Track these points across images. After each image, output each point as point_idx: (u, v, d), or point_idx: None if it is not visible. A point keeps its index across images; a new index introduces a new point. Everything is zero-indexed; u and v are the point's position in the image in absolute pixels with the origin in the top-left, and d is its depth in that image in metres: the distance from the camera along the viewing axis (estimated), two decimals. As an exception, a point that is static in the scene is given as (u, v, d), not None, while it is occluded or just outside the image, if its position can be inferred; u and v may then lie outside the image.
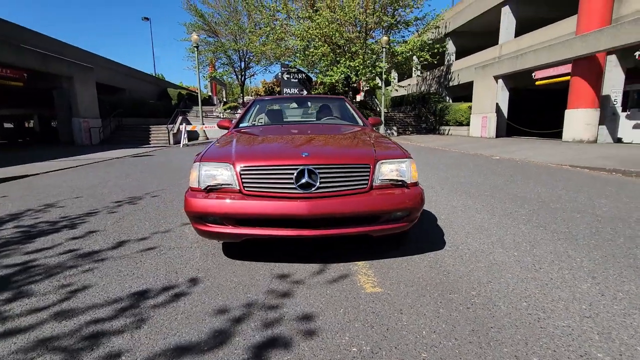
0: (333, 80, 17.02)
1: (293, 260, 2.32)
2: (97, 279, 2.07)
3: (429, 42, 18.70)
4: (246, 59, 24.58)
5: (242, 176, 2.10)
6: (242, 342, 1.46)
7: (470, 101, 17.85)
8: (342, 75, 16.93)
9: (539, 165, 7.24)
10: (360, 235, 2.15)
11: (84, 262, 2.34)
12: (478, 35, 21.75)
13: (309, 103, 4.15)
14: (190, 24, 23.89)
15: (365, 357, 1.35)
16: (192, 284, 2.00)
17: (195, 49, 15.59)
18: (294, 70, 19.44)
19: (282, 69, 19.47)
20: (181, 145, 14.27)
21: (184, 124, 15.07)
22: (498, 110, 16.01)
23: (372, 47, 17.33)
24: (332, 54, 17.10)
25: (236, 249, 2.51)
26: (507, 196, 4.17)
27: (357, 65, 16.49)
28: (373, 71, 17.38)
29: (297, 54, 18.11)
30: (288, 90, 19.47)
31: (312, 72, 20.42)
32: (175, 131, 15.84)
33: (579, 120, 12.10)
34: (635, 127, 12.70)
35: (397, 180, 2.19)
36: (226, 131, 3.46)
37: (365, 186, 2.12)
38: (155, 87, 28.57)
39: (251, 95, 29.00)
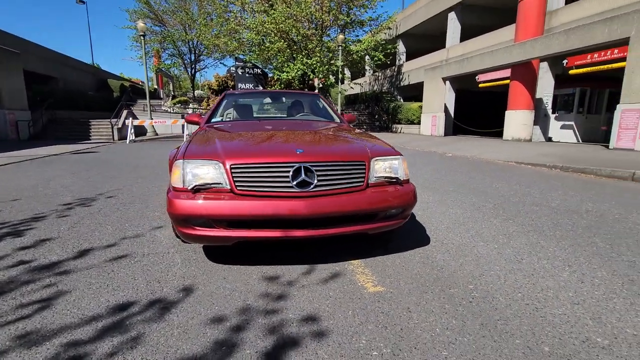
0: (289, 77, 16.84)
1: (283, 261, 2.22)
2: (64, 294, 1.81)
3: (382, 42, 19.26)
4: (197, 51, 23.40)
5: (234, 175, 1.96)
6: (252, 353, 1.36)
7: (421, 101, 18.72)
8: (299, 72, 16.83)
9: (489, 161, 7.78)
10: (357, 234, 2.12)
11: (43, 275, 2.03)
12: (427, 38, 22.87)
13: (284, 98, 4.03)
14: (134, 11, 22.18)
15: (387, 359, 1.32)
16: (181, 294, 1.82)
17: (142, 38, 14.47)
18: (249, 65, 18.90)
19: (237, 63, 18.84)
20: (127, 141, 13.21)
21: (130, 118, 13.97)
22: (446, 110, 16.98)
23: (328, 45, 17.41)
24: (288, 50, 16.89)
25: (218, 252, 2.35)
26: (470, 191, 4.40)
27: (314, 63, 16.48)
28: (330, 69, 17.48)
29: (253, 49, 17.63)
30: (242, 85, 18.90)
31: (267, 68, 20.03)
32: (120, 126, 14.62)
33: (517, 121, 13.22)
34: (562, 127, 14.20)
35: (391, 178, 2.19)
36: (196, 127, 3.24)
37: (361, 184, 2.08)
38: (93, 78, 26.09)
39: (203, 90, 27.72)
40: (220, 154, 2.04)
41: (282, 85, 18.34)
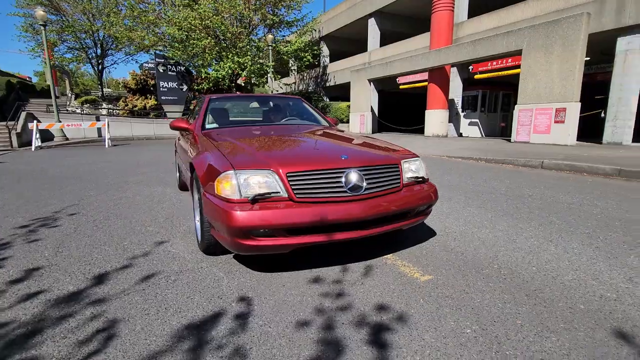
0: (220, 76, 16.17)
1: (322, 263, 2.31)
2: (122, 323, 1.65)
3: (309, 43, 19.72)
4: (104, 45, 20.80)
5: (291, 182, 1.99)
6: (361, 346, 1.47)
7: (347, 100, 19.71)
8: (229, 71, 16.25)
9: (425, 156, 8.68)
10: (394, 231, 2.32)
11: (75, 307, 1.80)
12: (349, 41, 24.04)
13: (271, 103, 4.01)
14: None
15: (481, 335, 1.56)
16: (254, 306, 1.81)
17: (43, 28, 12.35)
18: (172, 62, 17.54)
19: (157, 59, 17.31)
20: (33, 147, 11.21)
21: (34, 121, 11.87)
22: (371, 109, 18.17)
23: (258, 44, 17.17)
24: (217, 48, 16.19)
25: (252, 261, 2.32)
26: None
27: (246, 62, 16.10)
28: (261, 69, 17.26)
29: (175, 44, 16.42)
30: (165, 84, 17.49)
31: (192, 66, 18.85)
32: (19, 130, 12.32)
33: (436, 119, 14.84)
34: (470, 124, 16.40)
35: (417, 177, 2.45)
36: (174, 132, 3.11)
37: (398, 185, 2.30)
38: (-39, 72, 21.39)
39: (117, 88, 24.74)
40: (271, 163, 2.05)
41: (211, 84, 17.50)
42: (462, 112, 16.02)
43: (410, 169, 2.44)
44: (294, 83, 27.32)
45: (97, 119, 14.60)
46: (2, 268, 2.28)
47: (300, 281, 2.07)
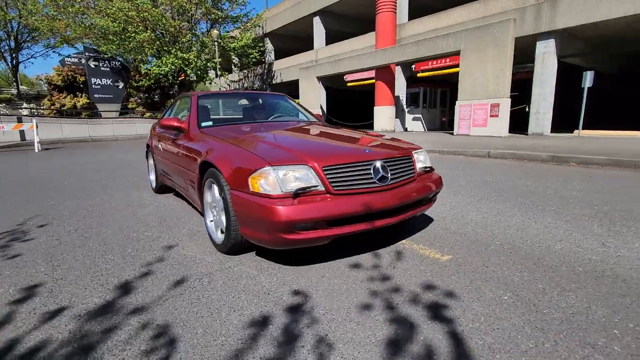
0: (162, 72, 15.14)
1: (345, 253, 2.40)
2: (180, 328, 1.59)
3: (255, 40, 19.38)
4: (18, 36, 18.20)
5: (327, 176, 2.06)
6: (429, 323, 1.62)
7: (296, 98, 19.77)
8: (173, 67, 15.31)
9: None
10: (410, 217, 2.50)
11: (113, 320, 1.68)
12: (295, 38, 24.07)
13: (260, 100, 3.94)
14: None
15: (517, 300, 1.79)
16: (304, 297, 1.85)
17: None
18: (105, 56, 15.95)
19: (87, 54, 15.61)
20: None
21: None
22: (320, 106, 18.47)
23: (202, 39, 16.41)
24: (157, 42, 15.12)
25: (278, 255, 2.34)
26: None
27: (192, 58, 15.30)
28: (208, 65, 16.53)
29: (109, 37, 14.97)
30: (97, 81, 15.88)
31: (129, 61, 17.35)
32: None
33: (384, 115, 15.58)
34: (413, 119, 17.48)
35: (426, 167, 2.66)
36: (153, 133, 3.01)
37: (413, 174, 2.48)
38: None
39: (42, 85, 21.68)
40: (305, 158, 2.09)
41: (152, 81, 16.32)
42: (407, 108, 17.03)
43: (419, 159, 2.63)
44: (239, 80, 26.62)
45: (19, 120, 12.80)
46: (19, 288, 2.01)
47: (337, 270, 2.15)
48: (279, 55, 24.44)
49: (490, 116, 11.28)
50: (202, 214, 2.78)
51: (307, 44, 22.10)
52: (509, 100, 11.02)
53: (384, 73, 15.10)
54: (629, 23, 10.32)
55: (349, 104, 22.13)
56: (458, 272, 2.10)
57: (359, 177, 2.15)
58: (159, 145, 3.85)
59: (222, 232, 2.51)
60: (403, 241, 2.62)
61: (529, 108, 12.20)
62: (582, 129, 11.41)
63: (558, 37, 11.18)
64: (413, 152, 2.59)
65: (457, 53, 12.01)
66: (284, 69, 22.67)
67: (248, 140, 2.53)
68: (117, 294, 1.92)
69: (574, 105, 12.81)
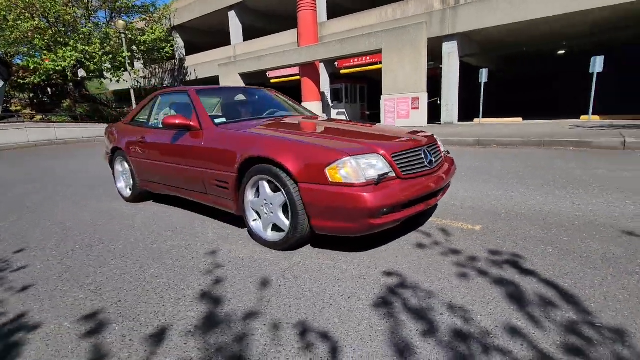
0: (61, 67, 12.83)
1: (397, 235, 2.59)
2: (311, 323, 1.59)
3: (167, 32, 17.83)
4: None
5: (396, 162, 2.20)
6: (520, 277, 1.92)
7: None
8: (72, 62, 13.10)
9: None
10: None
11: (232, 331, 1.58)
12: (209, 33, 22.81)
13: (257, 96, 3.76)
14: None
15: (561, 251, 2.21)
16: (400, 276, 1.98)
17: None
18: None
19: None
20: None
21: None
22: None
23: (106, 30, 14.40)
24: (50, 32, 12.73)
25: (334, 244, 2.41)
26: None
27: (95, 51, 13.30)
28: (115, 59, 14.57)
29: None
30: (-37, 77, 12.63)
31: (11, 55, 14.20)
32: None
33: (312, 110, 15.97)
34: (338, 113, 18.29)
35: (446, 152, 2.98)
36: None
37: (442, 157, 2.77)
38: None
39: None
40: (374, 147, 2.20)
41: (43, 77, 13.68)
42: (331, 103, 17.72)
43: (439, 145, 2.94)
44: (145, 77, 24.15)
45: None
46: (39, 327, 1.66)
47: (405, 250, 2.31)
48: (191, 50, 22.89)
49: (412, 109, 12.54)
50: (236, 214, 2.65)
51: (221, 39, 21.20)
52: (427, 94, 12.40)
53: (310, 70, 15.44)
54: (510, 30, 12.54)
55: None
56: (500, 238, 2.46)
57: (417, 162, 2.35)
58: (143, 149, 3.44)
59: (273, 229, 2.45)
60: (433, 219, 2.90)
61: (440, 101, 13.89)
62: (481, 117, 13.49)
63: (459, 39, 12.96)
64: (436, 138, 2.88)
65: (379, 51, 12.98)
66: (199, 65, 21.36)
67: (301, 133, 2.52)
68: (210, 305, 1.77)
69: (471, 98, 15.05)
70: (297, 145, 2.24)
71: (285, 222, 2.31)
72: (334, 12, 16.64)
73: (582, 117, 12.07)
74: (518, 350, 1.35)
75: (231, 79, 17.63)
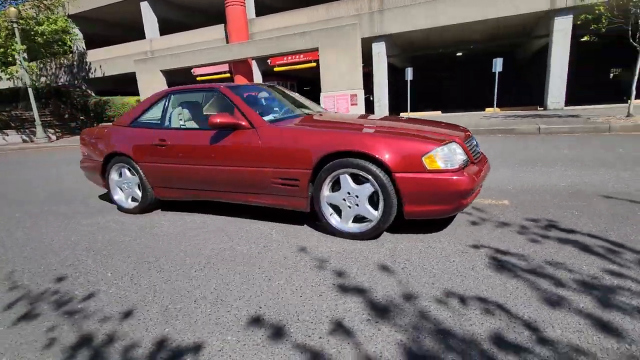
0: None
1: (438, 223, 2.92)
2: (436, 306, 1.82)
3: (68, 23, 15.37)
4: None
5: (469, 149, 2.52)
6: (562, 238, 2.41)
7: (126, 94, 17.29)
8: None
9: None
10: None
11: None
12: (116, 25, 20.35)
13: (271, 92, 3.65)
14: None
15: (590, 213, 2.80)
16: (490, 246, 2.31)
17: None
18: None
19: None
20: None
21: None
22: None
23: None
24: None
25: (407, 231, 2.65)
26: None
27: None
28: (7, 53, 11.95)
29: None
30: None
31: None
32: None
33: (247, 109, 15.59)
34: (271, 112, 18.15)
35: (466, 141, 3.42)
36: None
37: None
38: None
39: None
40: (451, 136, 2.48)
41: None
42: (264, 101, 17.51)
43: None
44: (31, 75, 20.38)
45: None
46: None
47: (467, 228, 2.65)
48: (93, 44, 20.12)
49: (351, 105, 13.21)
50: (305, 211, 2.68)
51: (133, 33, 19.14)
52: (363, 91, 13.20)
53: (243, 67, 15.05)
54: (427, 34, 14.10)
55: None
56: (530, 209, 2.98)
57: (474, 149, 2.71)
58: (165, 152, 3.14)
59: (355, 221, 2.56)
60: (462, 199, 3.32)
61: (372, 97, 14.91)
62: (409, 112, 14.92)
63: (386, 41, 14.07)
64: (461, 129, 3.30)
65: (315, 50, 13.32)
66: (107, 60, 18.93)
67: (371, 127, 2.66)
68: (362, 295, 1.85)
69: (399, 95, 16.48)
70: (387, 138, 2.38)
71: (373, 213, 2.45)
72: (262, 10, 16.45)
73: (487, 109, 14.27)
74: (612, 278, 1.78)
75: (152, 77, 16.11)
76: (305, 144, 2.56)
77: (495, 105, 13.65)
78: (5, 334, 1.70)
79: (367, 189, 2.43)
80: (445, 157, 2.30)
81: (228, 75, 16.02)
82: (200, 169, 3.01)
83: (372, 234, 2.49)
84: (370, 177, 2.37)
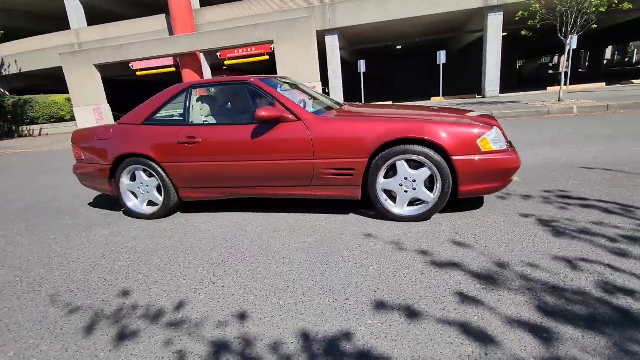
0: None
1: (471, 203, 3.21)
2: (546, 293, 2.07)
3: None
4: None
5: (504, 133, 2.78)
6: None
7: (48, 93, 15.38)
8: None
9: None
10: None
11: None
12: (31, 15, 17.75)
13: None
14: None
15: (613, 177, 3.27)
16: (540, 216, 2.61)
17: None
18: None
19: None
20: None
21: None
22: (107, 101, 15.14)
23: None
24: None
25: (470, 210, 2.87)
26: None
27: None
28: None
29: None
30: None
31: None
32: None
33: (199, 105, 14.82)
34: (222, 108, 17.47)
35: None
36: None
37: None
38: None
39: None
40: (492, 122, 2.71)
41: None
42: (214, 97, 16.76)
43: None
44: None
45: None
46: None
47: (501, 203, 2.95)
48: (10, 38, 17.36)
49: (310, 98, 13.28)
50: (357, 199, 2.76)
51: (53, 24, 16.93)
52: (320, 83, 13.33)
53: (191, 61, 14.24)
54: (375, 27, 14.63)
55: (148, 95, 19.05)
56: (537, 183, 3.38)
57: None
58: (198, 150, 2.96)
59: (409, 204, 2.70)
60: (477, 179, 3.64)
61: (328, 89, 15.11)
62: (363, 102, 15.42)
63: (339, 34, 14.32)
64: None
65: (269, 42, 13.11)
66: (24, 54, 16.51)
67: (428, 114, 2.80)
68: (464, 272, 2.00)
69: (353, 86, 16.89)
70: (444, 125, 2.53)
71: (430, 195, 2.61)
72: (207, 0, 15.63)
73: (433, 98, 15.33)
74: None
75: (84, 72, 14.50)
76: (361, 134, 2.62)
77: (441, 95, 14.72)
78: (116, 358, 1.54)
79: (424, 173, 2.58)
80: (495, 139, 2.53)
81: (173, 69, 14.98)
82: (239, 165, 2.90)
83: (426, 216, 2.65)
84: (428, 161, 2.52)
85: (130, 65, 15.40)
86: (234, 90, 3.42)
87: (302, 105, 3.23)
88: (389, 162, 2.61)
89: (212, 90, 3.69)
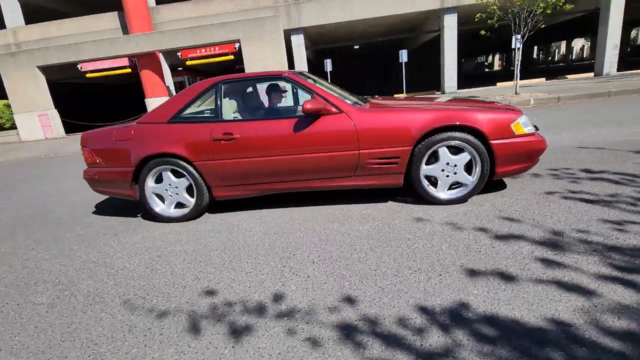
0: None
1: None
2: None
3: None
4: None
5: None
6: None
7: None
8: None
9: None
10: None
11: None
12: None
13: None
14: None
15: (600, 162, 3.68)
16: (571, 198, 2.91)
17: None
18: None
19: None
20: None
21: None
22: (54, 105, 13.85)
23: None
24: None
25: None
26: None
27: None
28: None
29: None
30: None
31: None
32: None
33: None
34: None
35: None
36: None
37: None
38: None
39: None
40: (516, 109, 2.97)
41: None
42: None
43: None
44: None
45: None
46: None
47: (528, 182, 3.23)
48: None
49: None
50: (399, 187, 2.89)
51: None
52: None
53: (151, 61, 13.50)
54: (338, 27, 14.93)
55: (98, 99, 17.64)
56: (553, 162, 3.73)
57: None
58: (236, 146, 2.89)
59: (451, 188, 2.88)
60: (486, 164, 3.94)
61: (295, 89, 15.10)
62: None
63: (304, 33, 14.39)
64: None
65: (235, 41, 12.85)
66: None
67: (456, 103, 2.97)
68: (540, 245, 2.19)
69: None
70: (481, 112, 2.72)
71: (469, 178, 2.80)
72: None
73: (396, 95, 15.99)
74: (672, 198, 2.55)
75: (26, 74, 13.15)
76: (406, 123, 2.74)
77: (404, 92, 15.39)
78: (244, 352, 1.51)
79: (465, 157, 2.76)
80: (526, 124, 2.79)
81: (129, 70, 14.07)
82: (280, 160, 2.88)
83: (465, 198, 2.85)
84: (468, 146, 2.71)
85: (79, 66, 14.23)
86: (264, 86, 3.37)
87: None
88: (431, 149, 2.76)
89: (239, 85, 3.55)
